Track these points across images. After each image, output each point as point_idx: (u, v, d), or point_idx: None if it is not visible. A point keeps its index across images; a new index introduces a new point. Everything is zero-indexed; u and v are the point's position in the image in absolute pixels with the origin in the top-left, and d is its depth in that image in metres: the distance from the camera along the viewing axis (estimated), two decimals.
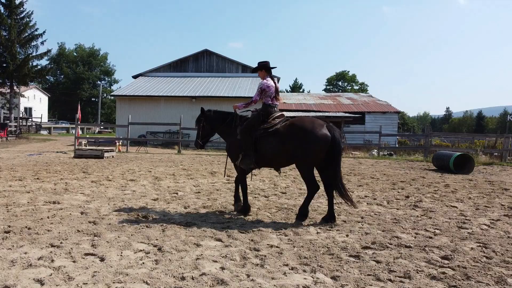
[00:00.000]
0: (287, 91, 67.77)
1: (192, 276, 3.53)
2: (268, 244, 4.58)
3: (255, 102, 6.13)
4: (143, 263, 3.84)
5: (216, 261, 3.95)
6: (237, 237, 4.82)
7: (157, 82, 30.29)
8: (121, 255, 4.05)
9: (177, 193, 7.89)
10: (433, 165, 15.29)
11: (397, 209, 6.91)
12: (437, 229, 5.47)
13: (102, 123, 57.49)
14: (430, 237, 5.05)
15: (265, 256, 4.14)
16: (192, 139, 24.75)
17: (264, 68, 6.16)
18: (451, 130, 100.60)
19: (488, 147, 25.40)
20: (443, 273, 3.75)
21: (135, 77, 32.70)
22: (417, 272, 3.75)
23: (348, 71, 73.38)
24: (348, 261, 4.05)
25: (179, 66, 32.57)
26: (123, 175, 10.38)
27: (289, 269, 3.79)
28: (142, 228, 5.12)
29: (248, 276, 3.58)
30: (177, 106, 26.57)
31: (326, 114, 26.38)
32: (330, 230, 5.32)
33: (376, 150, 23.11)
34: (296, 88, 77.92)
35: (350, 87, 71.57)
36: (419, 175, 12.37)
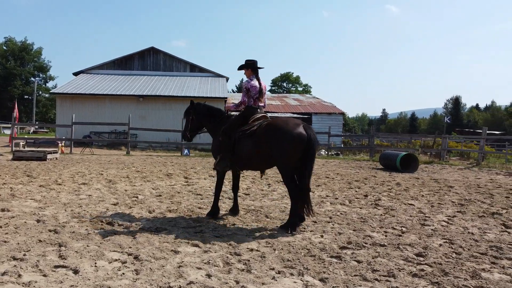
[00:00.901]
0: (233, 91, 67.82)
1: (179, 285, 3.36)
2: (247, 248, 4.50)
3: (245, 103, 5.83)
4: (123, 273, 3.60)
5: (200, 268, 3.80)
6: (214, 242, 4.68)
7: (100, 79, 28.92)
8: (95, 266, 3.77)
9: (137, 197, 7.54)
10: (380, 164, 16.00)
11: (360, 208, 7.12)
12: (403, 227, 5.69)
13: (37, 123, 53.99)
14: (399, 235, 5.25)
15: (249, 260, 4.05)
16: (140, 139, 23.92)
17: (250, 67, 5.87)
18: (387, 131, 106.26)
19: (424, 147, 27.09)
20: (422, 270, 3.90)
21: (76, 74, 30.97)
22: (399, 271, 3.87)
23: (292, 73, 74.85)
24: (331, 262, 4.08)
25: (124, 64, 31.34)
26: (73, 178, 9.76)
27: (276, 273, 3.74)
28: (111, 236, 4.82)
29: (238, 282, 3.48)
30: (123, 106, 25.55)
31: (275, 114, 26.69)
32: (304, 231, 5.34)
33: (324, 150, 23.80)
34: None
35: (294, 88, 73.03)
36: (370, 174, 12.88)
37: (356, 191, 9.05)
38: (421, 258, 4.29)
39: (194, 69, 32.03)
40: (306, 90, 71.74)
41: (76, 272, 3.61)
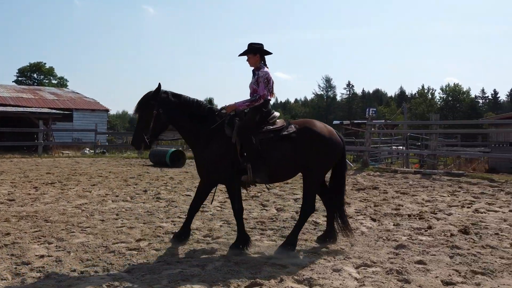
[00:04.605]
0: None
1: None
2: (36, 255, 4.14)
3: (264, 97, 4.58)
4: None
5: None
6: None
7: None
8: None
9: None
10: (150, 161, 16.50)
11: (144, 202, 7.37)
12: None
13: None
14: None
15: (43, 267, 3.78)
16: None
17: (259, 52, 4.69)
18: None
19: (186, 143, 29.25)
20: (212, 248, 4.56)
21: None
22: (194, 252, 4.39)
23: (45, 63, 66.84)
24: (132, 255, 4.24)
25: None
26: None
27: (79, 273, 3.65)
28: None
29: None
30: None
31: (29, 109, 23.56)
32: (93, 233, 5.20)
33: (88, 149, 22.62)
34: None
35: (47, 81, 65.44)
36: (143, 171, 13.15)
37: (134, 187, 9.20)
38: (209, 238, 4.96)
39: None
40: (62, 83, 65.39)
41: None
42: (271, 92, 4.73)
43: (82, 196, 7.91)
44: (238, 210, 4.57)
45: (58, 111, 24.65)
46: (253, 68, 4.78)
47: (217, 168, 4.52)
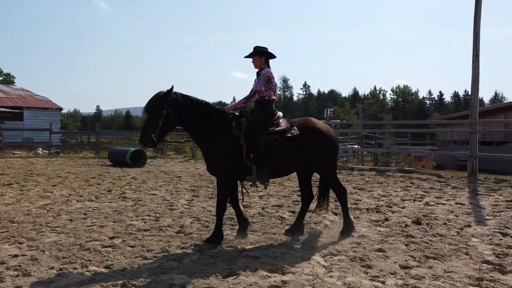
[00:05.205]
0: None
1: None
2: (9, 255, 4.14)
3: (260, 92, 4.79)
4: None
5: None
6: None
7: None
8: None
9: None
10: (109, 160, 16.19)
11: (110, 202, 7.36)
12: (157, 213, 6.39)
13: None
14: (157, 220, 5.93)
15: (20, 266, 3.79)
16: None
17: (264, 55, 4.92)
18: (103, 128, 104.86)
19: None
20: (186, 243, 4.72)
21: None
22: (169, 247, 4.54)
23: None
24: (108, 252, 4.33)
25: None
26: None
27: (58, 270, 3.71)
28: None
29: (20, 287, 3.28)
30: None
31: None
32: (63, 232, 5.20)
33: (41, 149, 21.80)
34: None
35: None
36: (103, 171, 12.94)
37: (97, 187, 9.11)
38: (181, 234, 5.12)
39: None
40: (9, 80, 62.01)
41: None
42: (274, 92, 4.96)
43: (44, 196, 7.76)
44: (221, 208, 4.74)
45: (9, 110, 23.50)
46: (257, 70, 5.01)
47: (217, 168, 4.71)
